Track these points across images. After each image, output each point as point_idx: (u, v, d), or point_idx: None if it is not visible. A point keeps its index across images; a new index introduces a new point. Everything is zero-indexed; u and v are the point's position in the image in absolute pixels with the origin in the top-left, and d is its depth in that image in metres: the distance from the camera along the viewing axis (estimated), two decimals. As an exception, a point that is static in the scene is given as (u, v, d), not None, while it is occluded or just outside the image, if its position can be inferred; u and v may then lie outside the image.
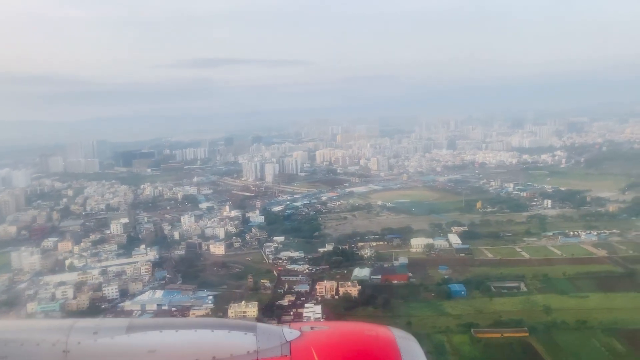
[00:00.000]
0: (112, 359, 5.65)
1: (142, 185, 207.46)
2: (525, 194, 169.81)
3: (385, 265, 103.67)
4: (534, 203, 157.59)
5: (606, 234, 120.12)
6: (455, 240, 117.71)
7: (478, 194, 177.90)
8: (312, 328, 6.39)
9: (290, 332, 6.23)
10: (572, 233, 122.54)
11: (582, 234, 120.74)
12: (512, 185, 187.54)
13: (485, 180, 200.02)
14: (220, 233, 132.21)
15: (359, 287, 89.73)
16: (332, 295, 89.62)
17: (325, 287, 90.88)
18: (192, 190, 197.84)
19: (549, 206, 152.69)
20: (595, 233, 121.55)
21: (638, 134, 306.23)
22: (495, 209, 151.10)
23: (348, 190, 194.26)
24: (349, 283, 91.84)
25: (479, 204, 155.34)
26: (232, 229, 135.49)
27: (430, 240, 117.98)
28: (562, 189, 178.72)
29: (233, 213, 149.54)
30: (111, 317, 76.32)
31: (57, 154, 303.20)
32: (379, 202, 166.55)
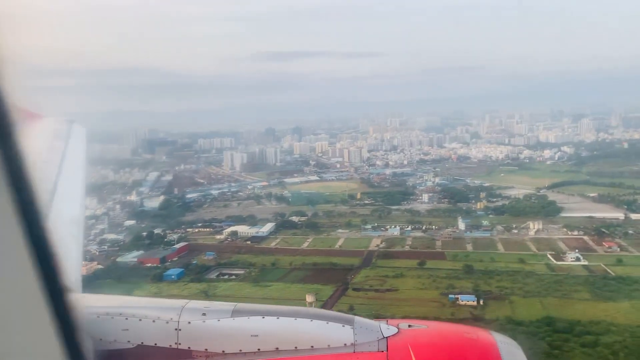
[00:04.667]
0: (217, 340, 6.04)
1: (121, 170, 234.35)
2: (424, 187, 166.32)
3: (165, 249, 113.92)
4: (420, 197, 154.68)
5: (410, 230, 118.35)
6: (266, 228, 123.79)
7: (394, 186, 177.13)
8: (409, 326, 6.24)
9: (387, 328, 6.11)
10: (388, 227, 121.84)
11: (392, 228, 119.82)
12: (437, 179, 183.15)
13: (423, 175, 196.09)
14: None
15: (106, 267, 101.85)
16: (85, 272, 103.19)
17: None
18: (151, 176, 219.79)
19: (426, 201, 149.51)
20: (409, 228, 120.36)
21: None
22: (370, 201, 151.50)
23: (286, 180, 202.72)
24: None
25: (358, 195, 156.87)
26: (117, 212, 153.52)
27: (246, 229, 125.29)
28: (486, 184, 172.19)
29: (133, 197, 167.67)
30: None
31: (108, 142, 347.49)
32: (283, 192, 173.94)
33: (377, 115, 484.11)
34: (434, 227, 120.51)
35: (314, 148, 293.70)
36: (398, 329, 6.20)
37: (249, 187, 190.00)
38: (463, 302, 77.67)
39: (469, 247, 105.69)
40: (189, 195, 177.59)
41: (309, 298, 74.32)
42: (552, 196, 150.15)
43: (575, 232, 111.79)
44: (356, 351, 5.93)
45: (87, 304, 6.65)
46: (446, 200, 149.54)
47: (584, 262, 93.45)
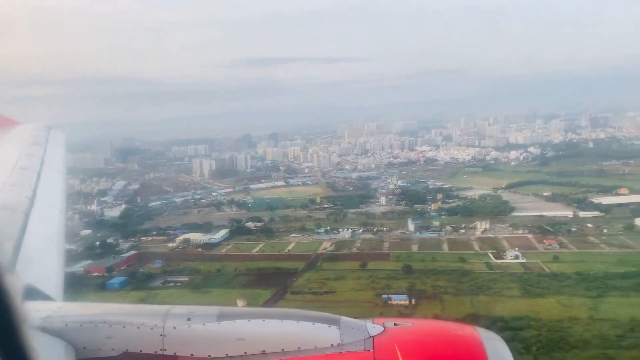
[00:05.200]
0: (203, 345, 5.99)
1: (89, 180, 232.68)
2: (385, 190, 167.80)
3: (114, 258, 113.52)
4: (378, 200, 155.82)
5: (361, 232, 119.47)
6: (219, 235, 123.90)
7: (357, 190, 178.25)
8: (395, 324, 6.29)
9: (373, 327, 6.16)
10: (340, 230, 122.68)
11: (344, 231, 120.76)
12: (400, 182, 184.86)
13: (387, 178, 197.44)
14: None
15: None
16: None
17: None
18: (118, 185, 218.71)
19: (384, 203, 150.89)
20: (360, 230, 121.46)
21: None
22: (329, 205, 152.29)
23: (252, 186, 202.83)
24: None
25: (318, 199, 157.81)
26: (76, 221, 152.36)
27: (200, 236, 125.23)
28: (446, 186, 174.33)
29: (93, 207, 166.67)
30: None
31: (81, 151, 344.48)
32: (246, 198, 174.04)
33: (356, 119, 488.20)
34: (385, 229, 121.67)
35: (287, 154, 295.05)
36: (384, 327, 6.26)
37: (214, 194, 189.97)
38: (395, 302, 78.67)
39: (415, 248, 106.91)
40: (151, 204, 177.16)
41: (240, 304, 74.72)
42: (507, 196, 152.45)
43: (521, 231, 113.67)
44: (343, 351, 5.98)
45: (70, 312, 6.60)
46: (404, 202, 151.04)
47: (522, 260, 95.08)
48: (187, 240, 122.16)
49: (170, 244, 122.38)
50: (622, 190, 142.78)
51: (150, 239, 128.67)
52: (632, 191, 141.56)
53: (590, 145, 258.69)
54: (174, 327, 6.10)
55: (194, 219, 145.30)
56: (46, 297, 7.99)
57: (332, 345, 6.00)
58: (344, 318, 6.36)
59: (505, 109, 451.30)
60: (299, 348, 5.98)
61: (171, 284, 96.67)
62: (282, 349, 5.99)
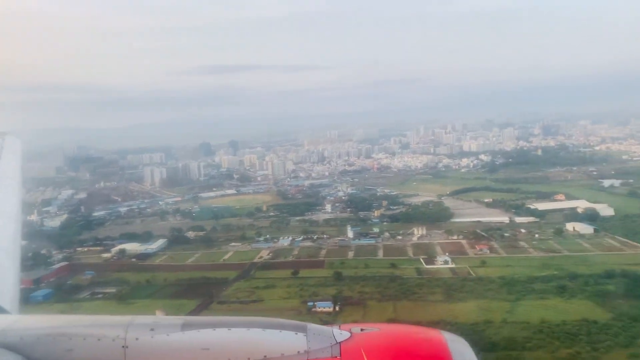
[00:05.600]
0: (167, 356, 5.86)
1: (36, 189, 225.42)
2: (333, 198, 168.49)
3: (45, 270, 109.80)
4: (324, 207, 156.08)
5: (301, 240, 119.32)
6: (156, 245, 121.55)
7: (307, 197, 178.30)
8: (362, 330, 6.34)
9: (340, 333, 6.20)
10: (280, 238, 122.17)
11: (284, 239, 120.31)
12: (349, 189, 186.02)
13: (338, 185, 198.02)
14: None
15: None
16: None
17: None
18: (64, 194, 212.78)
19: (329, 210, 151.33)
20: (300, 238, 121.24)
21: (595, 139, 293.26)
22: (275, 213, 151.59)
23: (203, 194, 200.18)
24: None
25: (264, 208, 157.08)
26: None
27: (137, 246, 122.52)
28: (394, 193, 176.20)
29: (33, 217, 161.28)
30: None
31: (32, 160, 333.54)
32: (193, 207, 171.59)
33: (319, 127, 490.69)
34: (325, 236, 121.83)
35: (243, 162, 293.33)
36: (351, 333, 6.21)
37: (161, 203, 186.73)
38: (319, 309, 78.48)
39: (351, 255, 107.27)
40: (95, 213, 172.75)
41: (158, 314, 73.13)
42: (450, 202, 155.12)
43: (456, 237, 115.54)
44: (310, 358, 5.90)
45: (26, 325, 6.36)
46: (349, 209, 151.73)
47: (451, 265, 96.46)
48: (122, 251, 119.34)
49: (105, 255, 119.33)
50: (559, 197, 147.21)
51: (86, 249, 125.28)
52: (569, 197, 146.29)
53: (539, 152, 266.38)
54: (137, 338, 5.94)
55: (135, 229, 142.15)
56: (1, 310, 7.78)
57: (298, 352, 5.94)
58: (310, 325, 6.34)
59: (465, 118, 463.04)
60: (265, 356, 5.89)
61: (99, 296, 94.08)
62: (248, 358, 5.87)
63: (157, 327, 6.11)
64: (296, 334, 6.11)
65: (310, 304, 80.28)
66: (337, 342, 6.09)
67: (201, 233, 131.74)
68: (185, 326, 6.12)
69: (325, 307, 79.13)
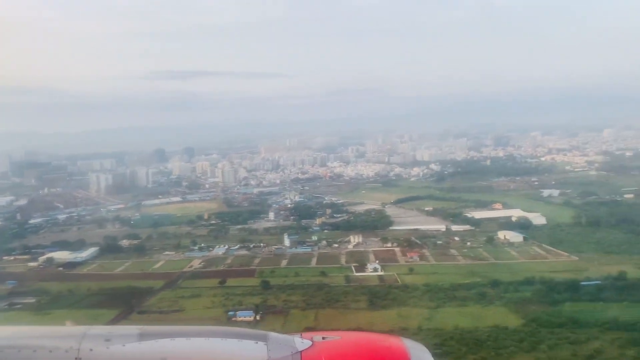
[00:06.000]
0: None
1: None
2: (278, 206, 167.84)
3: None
4: (267, 216, 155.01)
5: (237, 249, 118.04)
6: (86, 254, 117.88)
7: (253, 205, 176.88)
8: (323, 338, 6.34)
9: (301, 342, 6.19)
10: (216, 247, 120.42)
11: (219, 248, 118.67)
12: (297, 197, 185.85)
13: (286, 194, 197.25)
14: None
15: None
16: None
17: None
18: (2, 201, 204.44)
19: (272, 219, 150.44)
20: (237, 247, 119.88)
21: (542, 150, 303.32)
22: (217, 221, 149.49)
23: (148, 202, 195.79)
24: None
25: (206, 216, 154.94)
26: None
27: (66, 254, 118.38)
28: (340, 201, 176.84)
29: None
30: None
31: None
32: (134, 215, 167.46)
33: (280, 135, 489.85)
34: (262, 245, 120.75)
35: (195, 169, 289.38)
36: (312, 341, 6.21)
37: (102, 210, 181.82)
38: (239, 319, 77.38)
39: (284, 263, 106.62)
40: (32, 221, 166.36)
41: (68, 324, 70.44)
42: (392, 211, 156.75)
43: (390, 244, 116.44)
44: None
45: None
46: (292, 218, 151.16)
47: (380, 273, 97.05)
48: (50, 260, 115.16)
49: (31, 264, 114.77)
50: (496, 206, 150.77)
51: (12, 258, 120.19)
52: (506, 206, 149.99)
53: (488, 162, 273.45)
54: (91, 349, 5.71)
55: (70, 237, 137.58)
56: None
57: None
58: (271, 334, 6.31)
59: (424, 128, 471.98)
60: None
61: (18, 306, 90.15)
62: None
63: (112, 337, 5.91)
64: (257, 342, 6.05)
65: (230, 313, 79.09)
66: (298, 351, 6.06)
67: (136, 241, 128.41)
68: (142, 336, 5.95)
69: (246, 316, 78.11)
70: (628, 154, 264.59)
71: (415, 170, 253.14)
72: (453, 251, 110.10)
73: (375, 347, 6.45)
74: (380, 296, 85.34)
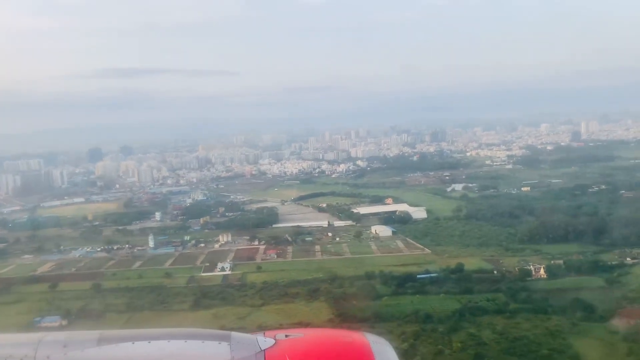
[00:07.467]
0: None
1: None
2: (177, 205, 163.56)
3: None
4: (154, 215, 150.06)
5: (97, 250, 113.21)
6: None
7: (153, 205, 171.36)
8: (286, 336, 6.25)
9: (264, 341, 6.05)
10: (79, 249, 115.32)
11: (78, 250, 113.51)
12: (202, 196, 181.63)
13: (194, 195, 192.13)
14: None
15: None
16: None
17: None
18: None
19: (158, 219, 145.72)
20: (99, 249, 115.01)
21: (472, 145, 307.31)
22: (100, 222, 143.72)
23: (47, 203, 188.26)
24: None
25: (90, 217, 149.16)
26: None
27: None
28: (243, 199, 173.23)
29: None
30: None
31: None
32: (22, 217, 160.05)
33: (229, 134, 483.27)
34: (127, 246, 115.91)
35: (118, 168, 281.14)
36: (275, 340, 6.12)
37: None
38: (44, 324, 72.83)
39: (137, 265, 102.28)
40: None
41: None
42: (288, 208, 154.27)
43: (257, 242, 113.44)
44: None
45: None
46: (180, 217, 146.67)
47: (227, 272, 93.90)
48: None
49: None
50: (388, 200, 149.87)
51: None
52: (396, 201, 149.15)
53: (415, 158, 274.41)
54: (48, 357, 5.46)
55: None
56: None
57: None
58: (234, 333, 6.14)
59: (376, 124, 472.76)
60: None
61: None
62: None
63: (70, 343, 5.61)
64: (219, 343, 5.85)
65: (36, 319, 74.40)
66: (261, 350, 5.93)
67: (0, 245, 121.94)
68: (101, 341, 5.68)
69: (52, 322, 73.56)
70: (549, 147, 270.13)
71: (341, 167, 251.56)
72: (317, 247, 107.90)
73: (337, 343, 6.39)
74: (210, 296, 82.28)
